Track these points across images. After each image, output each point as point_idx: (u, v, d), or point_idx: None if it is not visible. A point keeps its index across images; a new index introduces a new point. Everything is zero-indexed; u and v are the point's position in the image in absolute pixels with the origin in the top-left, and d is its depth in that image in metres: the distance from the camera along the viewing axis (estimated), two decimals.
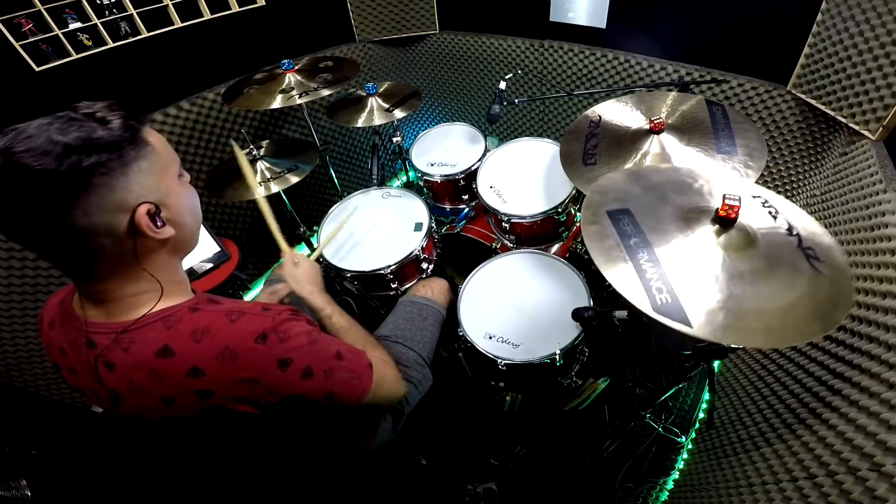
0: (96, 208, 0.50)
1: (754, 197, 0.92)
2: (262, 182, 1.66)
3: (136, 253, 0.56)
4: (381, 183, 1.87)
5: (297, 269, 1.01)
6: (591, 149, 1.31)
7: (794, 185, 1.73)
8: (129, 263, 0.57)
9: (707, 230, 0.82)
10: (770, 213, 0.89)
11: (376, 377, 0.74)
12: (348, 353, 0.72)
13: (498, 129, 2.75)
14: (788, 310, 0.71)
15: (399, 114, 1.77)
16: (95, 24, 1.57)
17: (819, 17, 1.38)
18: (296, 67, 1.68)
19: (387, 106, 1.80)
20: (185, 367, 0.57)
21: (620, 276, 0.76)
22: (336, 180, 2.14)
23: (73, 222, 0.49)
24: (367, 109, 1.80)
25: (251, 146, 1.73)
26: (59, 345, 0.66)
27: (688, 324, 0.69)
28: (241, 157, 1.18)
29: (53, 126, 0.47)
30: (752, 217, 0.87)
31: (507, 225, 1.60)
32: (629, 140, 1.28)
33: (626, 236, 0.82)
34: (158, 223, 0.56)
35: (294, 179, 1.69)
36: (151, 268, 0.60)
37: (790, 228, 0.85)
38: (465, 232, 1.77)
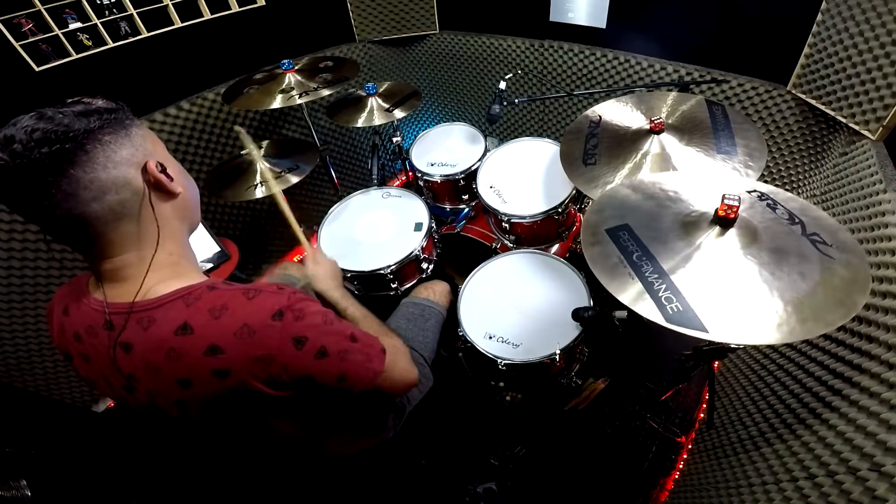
0: (112, 162, 0.56)
1: (749, 192, 0.92)
2: (262, 182, 1.66)
3: (152, 206, 0.61)
4: (382, 183, 1.87)
5: (318, 266, 1.03)
6: (591, 149, 1.31)
7: (794, 185, 1.73)
8: (144, 226, 0.60)
9: (707, 232, 0.82)
10: (768, 205, 0.88)
11: (388, 361, 0.75)
12: (362, 336, 0.72)
13: (498, 129, 2.75)
14: (805, 301, 0.70)
15: (399, 114, 1.77)
16: (95, 24, 1.57)
17: (819, 17, 1.38)
18: (296, 67, 1.68)
19: (387, 106, 1.80)
20: (204, 345, 0.57)
21: (628, 292, 0.77)
22: (336, 180, 2.14)
23: (96, 176, 0.54)
24: (367, 109, 1.80)
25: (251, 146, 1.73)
26: (74, 331, 0.65)
27: (704, 329, 0.69)
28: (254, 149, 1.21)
29: (53, 108, 0.54)
30: (751, 212, 0.86)
31: (507, 225, 1.60)
32: (629, 140, 1.28)
33: (627, 252, 0.83)
34: (168, 178, 0.62)
35: (294, 179, 1.68)
36: (165, 232, 0.63)
37: (791, 217, 0.84)
38: (465, 232, 1.77)
